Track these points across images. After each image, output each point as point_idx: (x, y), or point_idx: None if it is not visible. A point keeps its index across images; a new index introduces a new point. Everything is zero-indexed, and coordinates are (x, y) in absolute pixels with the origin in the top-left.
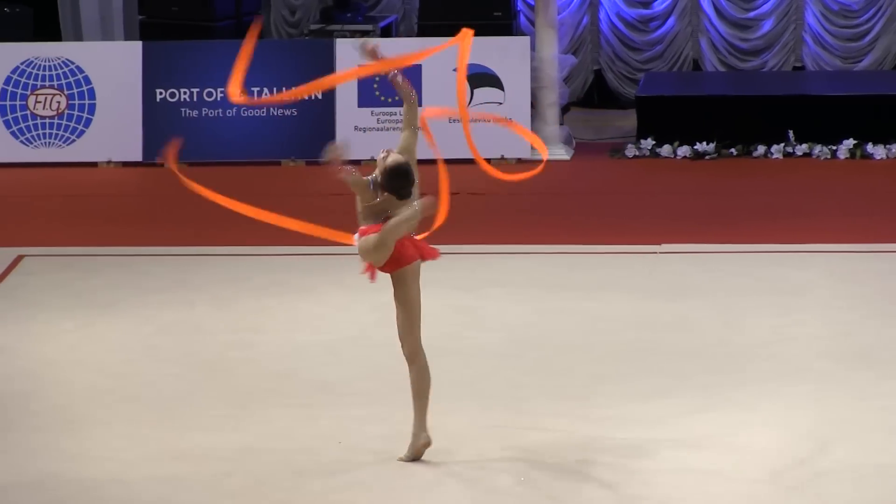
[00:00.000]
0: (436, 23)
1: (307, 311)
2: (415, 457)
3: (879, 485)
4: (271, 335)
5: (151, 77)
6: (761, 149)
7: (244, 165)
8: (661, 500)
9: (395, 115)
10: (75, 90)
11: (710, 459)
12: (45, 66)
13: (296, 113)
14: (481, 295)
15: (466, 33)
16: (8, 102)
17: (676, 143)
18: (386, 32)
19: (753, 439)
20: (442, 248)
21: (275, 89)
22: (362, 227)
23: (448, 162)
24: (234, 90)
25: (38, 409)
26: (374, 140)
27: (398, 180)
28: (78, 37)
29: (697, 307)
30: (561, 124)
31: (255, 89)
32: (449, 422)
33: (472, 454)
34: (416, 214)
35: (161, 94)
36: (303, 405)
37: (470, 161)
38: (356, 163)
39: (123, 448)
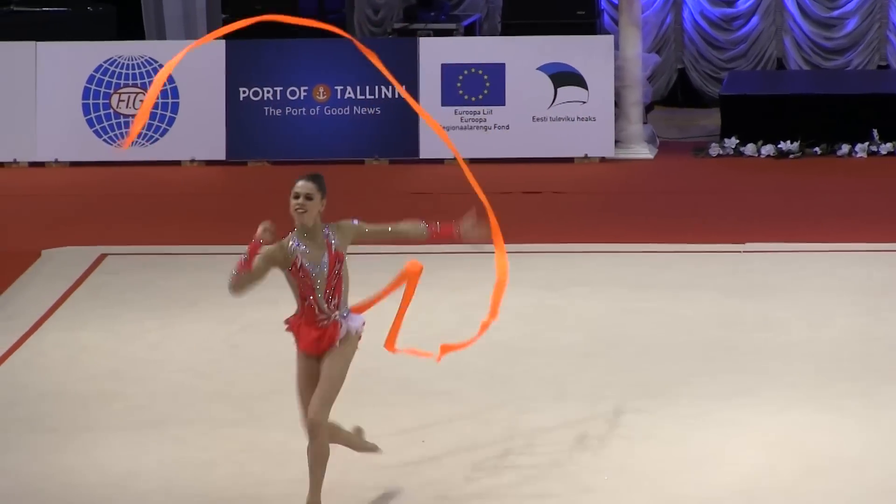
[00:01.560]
0: (519, 22)
1: (390, 311)
2: None
3: None
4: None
5: (235, 76)
6: (845, 148)
7: (327, 164)
8: (746, 497)
9: (479, 113)
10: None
11: (796, 459)
12: (128, 65)
13: (379, 112)
14: (565, 294)
15: (414, 270)
16: (91, 101)
17: (760, 142)
18: (469, 31)
19: (839, 439)
20: (525, 247)
21: (358, 88)
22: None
23: (531, 161)
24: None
25: (120, 408)
26: (457, 139)
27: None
28: (161, 35)
29: (781, 306)
30: (644, 123)
31: (339, 88)
32: (531, 420)
33: (554, 451)
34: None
35: (244, 92)
36: (385, 403)
37: (553, 160)
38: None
39: (206, 447)
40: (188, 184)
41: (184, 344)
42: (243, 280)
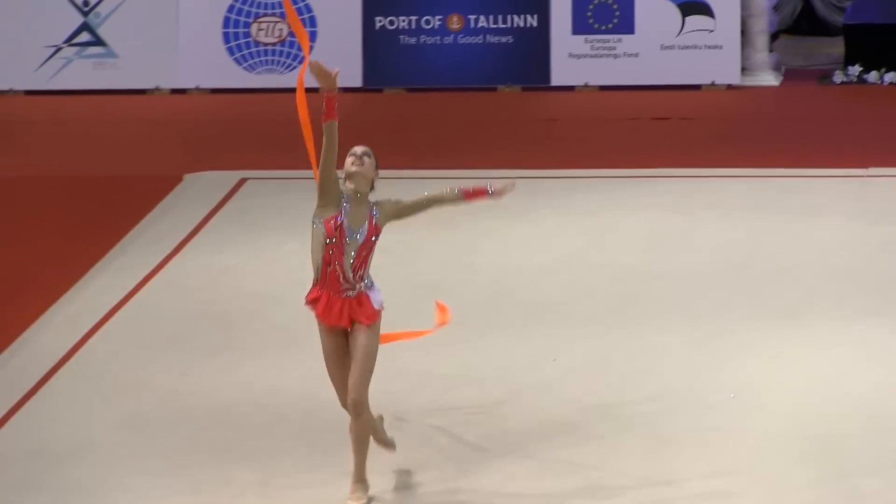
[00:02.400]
0: None
1: (523, 233)
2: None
3: None
4: (488, 256)
5: (371, 5)
6: None
7: (461, 91)
8: (869, 412)
9: (609, 41)
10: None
11: None
12: None
13: (511, 40)
14: (694, 217)
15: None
16: (231, 30)
17: (883, 70)
18: None
19: None
20: (655, 171)
21: (490, 17)
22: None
23: (659, 88)
24: None
25: (261, 328)
26: (587, 66)
27: None
28: None
29: None
30: (770, 51)
31: (472, 17)
32: (659, 340)
33: (682, 369)
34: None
35: (380, 21)
36: (518, 324)
37: (681, 88)
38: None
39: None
40: None
41: None
42: (328, 140)
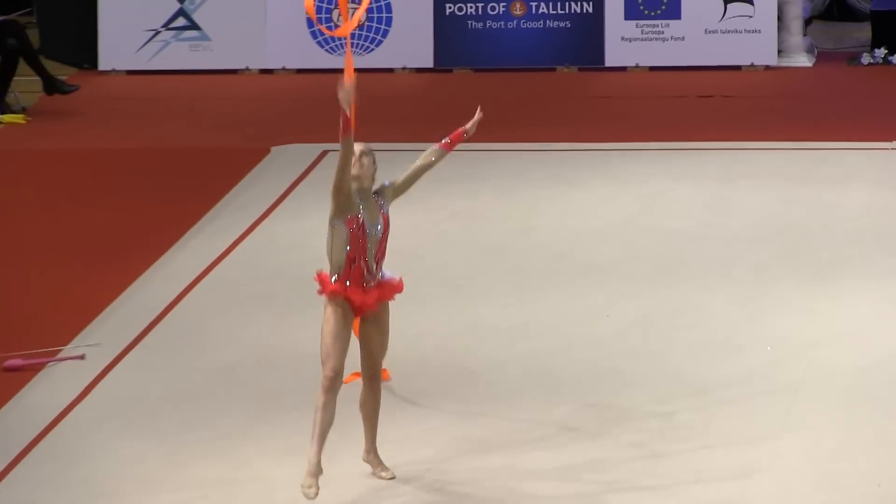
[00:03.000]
0: None
1: (579, 200)
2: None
3: None
4: (547, 221)
5: None
6: None
7: (523, 71)
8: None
9: (658, 26)
10: (374, 5)
11: None
12: None
13: (569, 25)
14: (734, 186)
15: None
16: (315, 16)
17: None
18: None
19: None
20: (699, 145)
21: (550, 4)
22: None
23: (703, 69)
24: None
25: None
26: (637, 49)
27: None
28: None
29: None
30: (804, 35)
31: (534, 3)
32: (701, 297)
33: (722, 324)
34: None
35: (450, 8)
36: (574, 283)
37: (723, 68)
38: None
39: (417, 322)
40: (400, 89)
41: (398, 230)
42: (345, 152)
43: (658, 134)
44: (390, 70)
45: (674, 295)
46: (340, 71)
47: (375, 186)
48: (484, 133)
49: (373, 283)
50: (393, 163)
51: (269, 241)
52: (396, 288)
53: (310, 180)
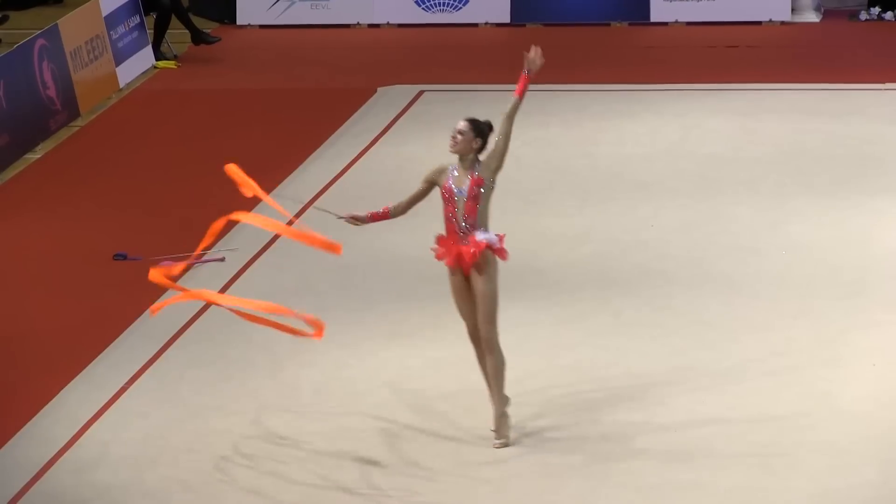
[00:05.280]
0: None
1: (630, 130)
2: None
3: None
4: (604, 147)
5: None
6: None
7: (584, 26)
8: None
9: None
10: None
11: None
12: None
13: None
14: (757, 119)
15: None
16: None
17: None
18: None
19: None
20: (727, 86)
21: None
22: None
23: (730, 24)
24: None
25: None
26: (678, 7)
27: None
28: None
29: None
30: None
31: None
32: (730, 210)
33: (748, 231)
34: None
35: None
36: (626, 198)
37: (746, 23)
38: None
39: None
40: (483, 39)
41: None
42: (403, 211)
43: (694, 77)
44: (475, 25)
45: (708, 207)
46: (433, 25)
47: (483, 156)
48: (552, 75)
49: (465, 242)
50: (477, 101)
51: (377, 163)
52: (473, 247)
53: (409, 115)
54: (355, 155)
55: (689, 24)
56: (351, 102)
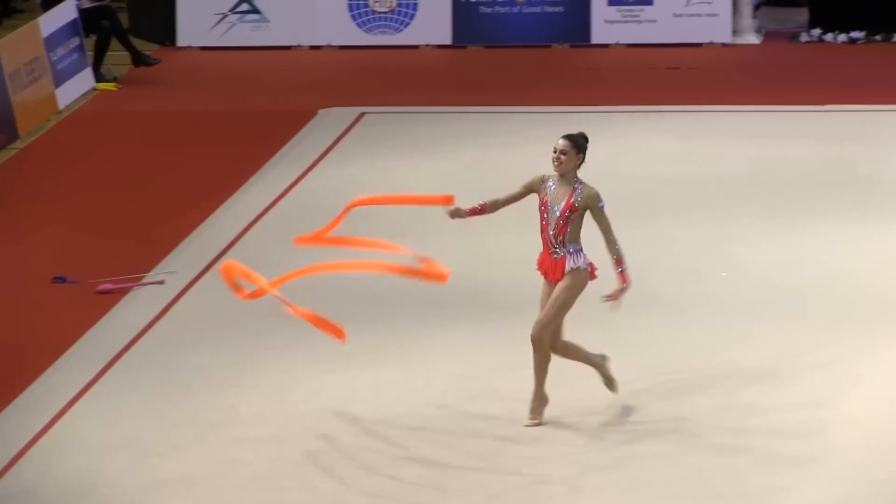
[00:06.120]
0: None
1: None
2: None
3: None
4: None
5: None
6: None
7: (525, 48)
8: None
9: (634, 10)
10: None
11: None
12: None
13: (562, 9)
14: (696, 141)
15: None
16: (355, 2)
17: (837, 32)
18: None
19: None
20: (668, 107)
21: None
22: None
23: (671, 45)
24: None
25: (377, 222)
26: (618, 29)
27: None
28: None
29: (851, 149)
30: (753, 18)
31: None
32: (671, 232)
33: (687, 252)
34: None
35: None
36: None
37: (688, 45)
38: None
39: (441, 251)
40: (425, 61)
41: (423, 177)
42: (498, 207)
43: (635, 98)
44: (416, 47)
45: (649, 229)
46: (374, 47)
47: (587, 182)
48: (493, 98)
49: (557, 257)
50: (419, 123)
51: (319, 185)
52: (561, 271)
53: (351, 137)
54: (296, 177)
55: (630, 45)
56: (292, 124)
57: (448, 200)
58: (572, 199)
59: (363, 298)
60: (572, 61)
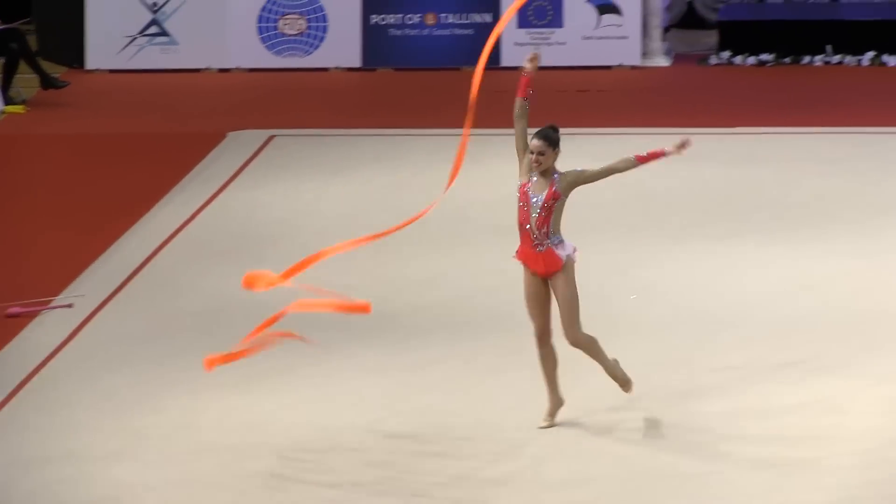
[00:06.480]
0: None
1: (479, 175)
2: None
3: None
4: (455, 192)
5: (368, 6)
6: (807, 58)
7: (434, 70)
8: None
9: (544, 33)
10: (313, 16)
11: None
12: None
13: (472, 32)
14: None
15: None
16: (264, 24)
17: (746, 55)
18: None
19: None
20: (579, 129)
21: (457, 15)
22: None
23: (581, 68)
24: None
25: (285, 246)
26: (528, 52)
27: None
28: None
29: (761, 171)
30: (663, 41)
31: (443, 14)
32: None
33: (597, 284)
34: None
35: (375, 18)
36: (477, 242)
37: (597, 68)
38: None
39: (348, 273)
40: (334, 83)
41: (332, 200)
42: (519, 116)
43: (544, 121)
44: (326, 69)
45: None
46: (284, 70)
47: (565, 169)
48: (403, 120)
49: (541, 249)
50: (329, 145)
51: (228, 208)
52: (556, 263)
53: (260, 160)
54: (205, 200)
55: (540, 68)
56: (201, 147)
57: (365, 309)
58: (554, 188)
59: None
60: (482, 84)
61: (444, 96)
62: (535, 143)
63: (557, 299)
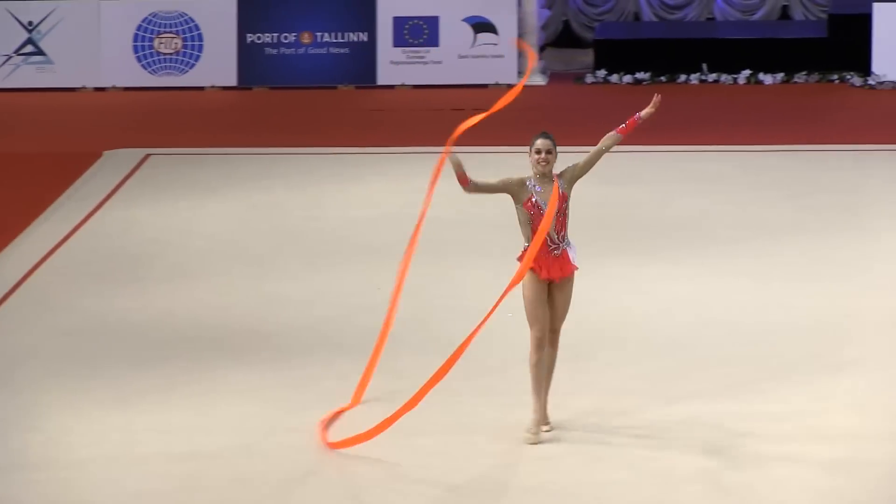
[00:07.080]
0: None
1: (356, 193)
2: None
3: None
4: (331, 211)
5: (244, 25)
6: (683, 77)
7: (311, 89)
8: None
9: (420, 52)
10: (189, 35)
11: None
12: (167, 18)
13: (348, 51)
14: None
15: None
16: (139, 43)
17: (622, 73)
18: None
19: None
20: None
21: (333, 34)
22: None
23: (457, 87)
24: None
25: (161, 265)
26: (403, 71)
27: None
28: None
29: (641, 190)
30: (540, 59)
31: (319, 33)
32: (457, 274)
33: (475, 302)
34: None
35: (251, 37)
36: (355, 262)
37: (473, 86)
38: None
39: (226, 293)
40: (210, 102)
41: (208, 219)
42: (476, 190)
43: (420, 140)
44: (201, 88)
45: (435, 270)
46: (159, 88)
47: (560, 169)
48: (277, 139)
49: (557, 252)
50: (204, 164)
51: (104, 226)
52: (570, 268)
53: (136, 178)
54: (81, 219)
55: (415, 87)
56: (77, 166)
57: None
58: (560, 191)
59: (145, 340)
60: (358, 102)
61: (319, 115)
62: (541, 142)
63: (557, 302)
